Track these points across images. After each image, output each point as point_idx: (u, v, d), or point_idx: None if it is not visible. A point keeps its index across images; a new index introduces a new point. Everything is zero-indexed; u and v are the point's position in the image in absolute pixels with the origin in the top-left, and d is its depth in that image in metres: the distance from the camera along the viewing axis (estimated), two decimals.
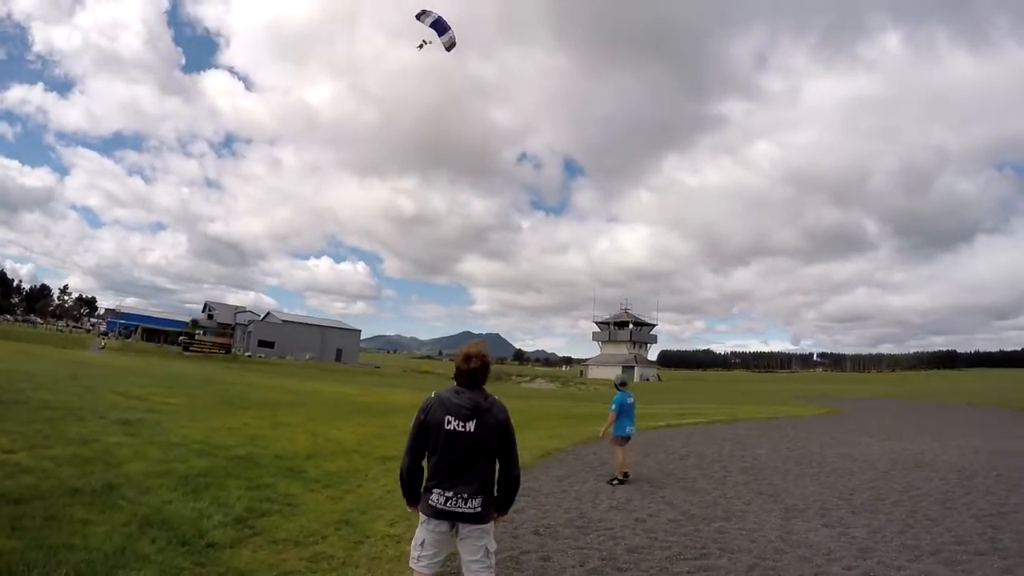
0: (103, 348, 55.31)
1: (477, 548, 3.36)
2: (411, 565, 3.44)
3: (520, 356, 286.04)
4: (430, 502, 3.36)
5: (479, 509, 3.33)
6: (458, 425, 3.31)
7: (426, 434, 3.39)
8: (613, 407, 9.34)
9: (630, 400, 9.48)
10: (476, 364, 3.40)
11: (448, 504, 3.32)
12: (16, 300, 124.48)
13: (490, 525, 3.43)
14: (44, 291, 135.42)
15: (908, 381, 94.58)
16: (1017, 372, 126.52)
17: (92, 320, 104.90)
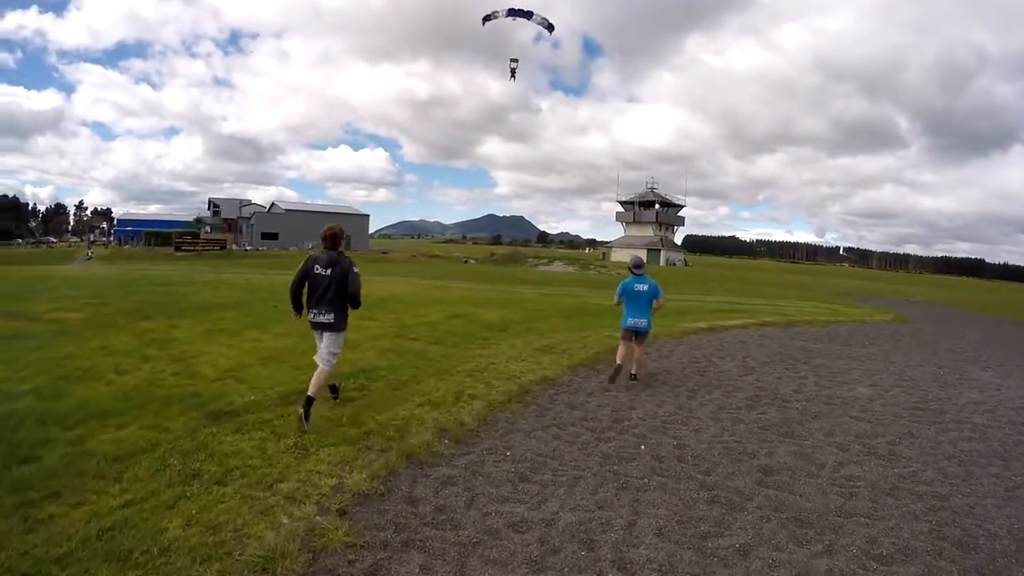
0: (90, 259, 50.79)
1: (328, 345, 5.46)
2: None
3: (544, 238, 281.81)
4: (311, 320, 5.45)
5: (335, 320, 5.40)
6: (321, 271, 5.37)
7: (306, 275, 5.44)
8: (618, 292, 7.77)
9: (640, 287, 7.66)
10: (328, 234, 5.50)
11: (315, 318, 5.42)
12: (35, 224, 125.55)
13: (339, 334, 5.50)
14: (59, 210, 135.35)
15: (947, 286, 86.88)
16: None
17: (98, 231, 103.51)
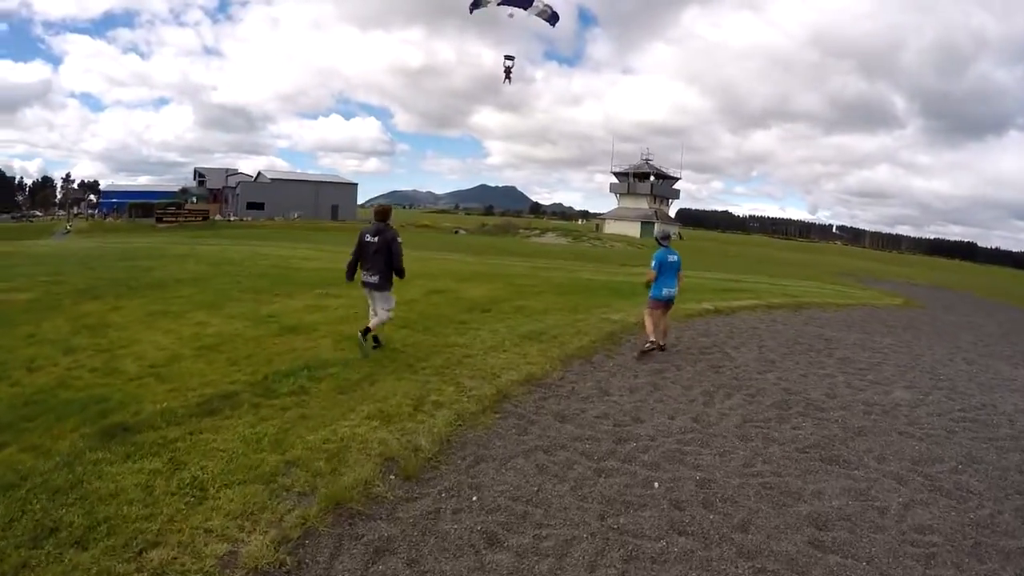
0: (68, 232, 48.96)
1: (380, 302, 6.68)
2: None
3: (536, 209, 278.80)
4: (362, 280, 6.70)
5: (379, 281, 6.55)
6: (370, 238, 6.55)
7: (359, 244, 6.66)
8: (653, 264, 8.02)
9: (672, 258, 8.07)
10: (378, 209, 6.91)
11: (365, 278, 6.62)
12: (22, 198, 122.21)
13: (387, 292, 6.67)
14: (46, 183, 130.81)
15: (941, 269, 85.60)
16: None
17: (84, 204, 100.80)
